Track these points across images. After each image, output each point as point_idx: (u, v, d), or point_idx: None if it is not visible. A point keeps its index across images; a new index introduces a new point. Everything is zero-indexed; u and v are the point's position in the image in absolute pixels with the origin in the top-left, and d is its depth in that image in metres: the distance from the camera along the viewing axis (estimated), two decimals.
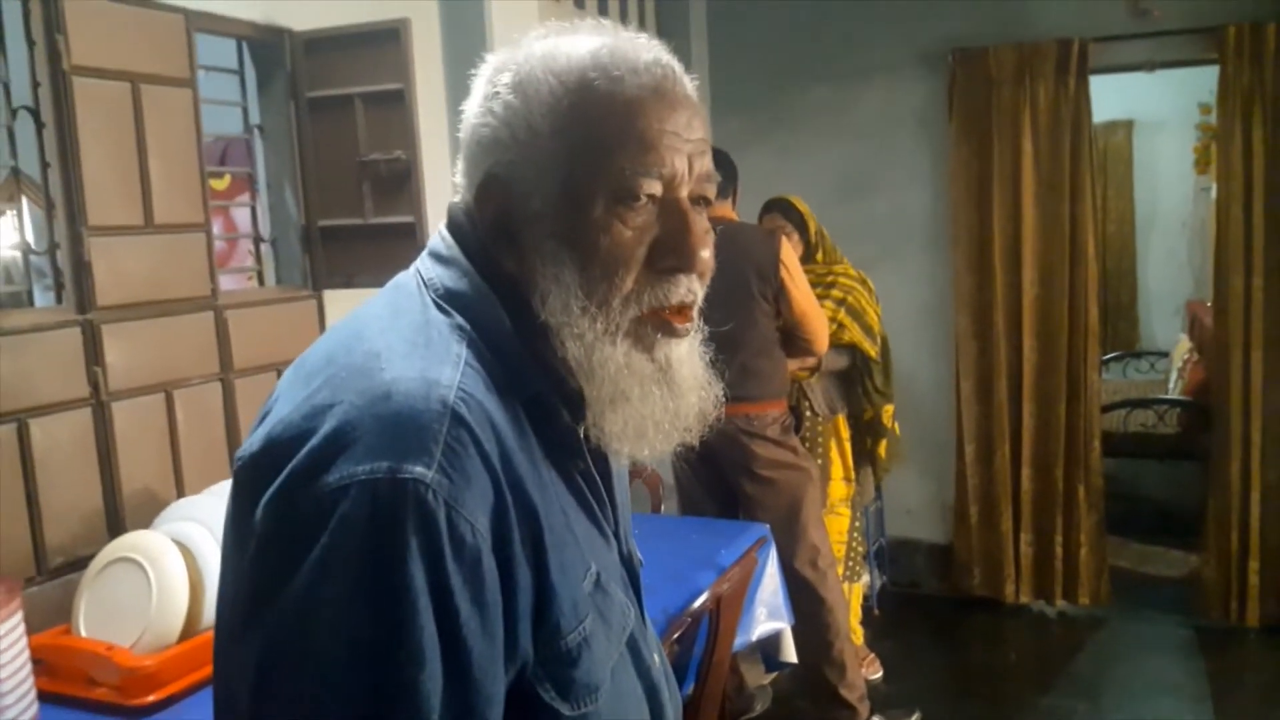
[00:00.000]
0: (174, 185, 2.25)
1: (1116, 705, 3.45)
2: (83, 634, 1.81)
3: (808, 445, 3.34)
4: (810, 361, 3.28)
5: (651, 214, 0.82)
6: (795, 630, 2.63)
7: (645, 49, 0.83)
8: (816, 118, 4.39)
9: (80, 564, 1.95)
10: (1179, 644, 3.84)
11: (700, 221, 0.84)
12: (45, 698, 1.65)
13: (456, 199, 0.89)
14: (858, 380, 3.55)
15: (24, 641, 1.50)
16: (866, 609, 3.91)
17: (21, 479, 1.95)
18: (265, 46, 2.58)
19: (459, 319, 0.81)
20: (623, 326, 0.82)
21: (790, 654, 2.62)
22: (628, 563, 0.95)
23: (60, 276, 2.08)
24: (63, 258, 2.08)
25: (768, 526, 2.62)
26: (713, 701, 2.06)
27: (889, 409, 3.62)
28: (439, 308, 0.82)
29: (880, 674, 3.64)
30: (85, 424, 2.07)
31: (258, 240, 2.72)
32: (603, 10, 3.82)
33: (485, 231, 0.85)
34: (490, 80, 0.85)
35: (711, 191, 0.86)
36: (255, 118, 2.66)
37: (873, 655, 3.68)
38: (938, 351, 4.28)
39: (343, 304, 2.67)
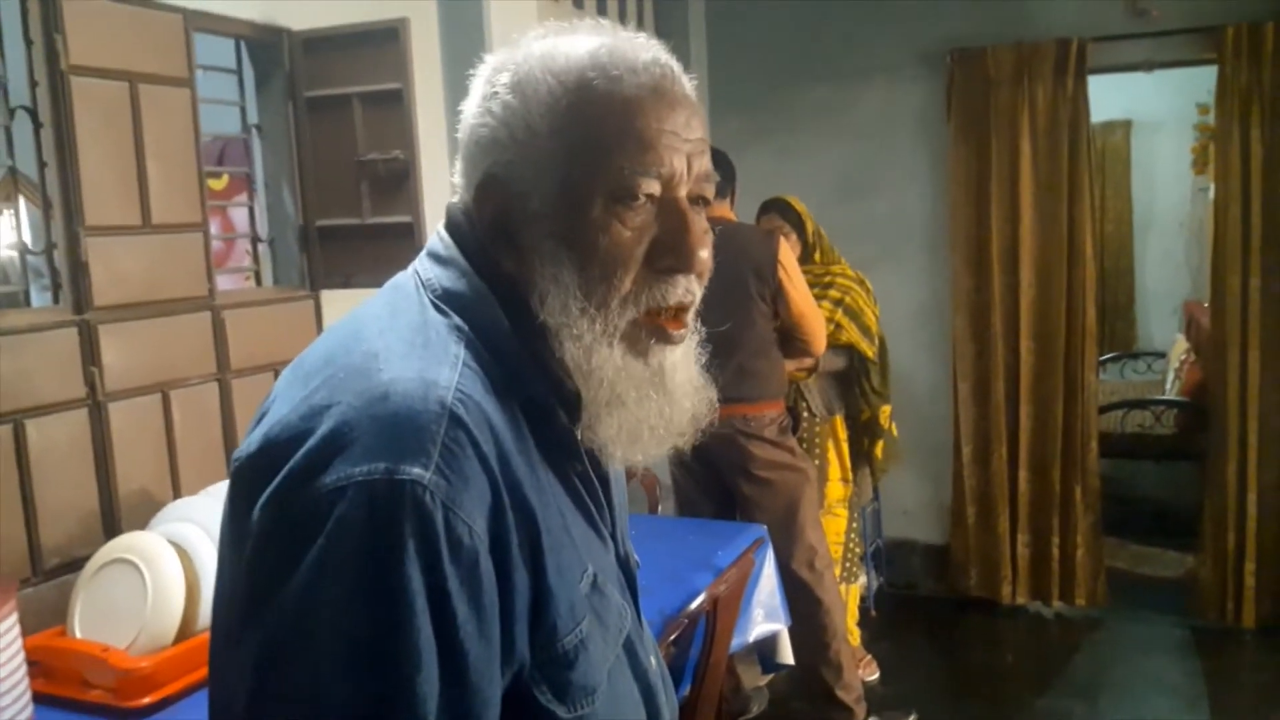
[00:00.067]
0: (172, 185, 2.25)
1: (1113, 706, 3.45)
2: (78, 635, 1.81)
3: (805, 446, 3.34)
4: (808, 362, 3.28)
5: (650, 214, 0.82)
6: (792, 631, 2.63)
7: (644, 49, 0.83)
8: (815, 118, 4.39)
9: (76, 565, 1.95)
10: (1175, 645, 3.85)
11: (699, 221, 0.84)
12: (40, 699, 1.64)
13: (455, 199, 0.89)
14: (855, 381, 3.55)
15: (19, 643, 1.50)
16: (863, 610, 3.91)
17: (17, 479, 1.94)
18: (263, 46, 2.58)
19: (457, 319, 0.81)
20: (620, 329, 0.82)
21: (787, 655, 2.62)
22: (624, 564, 0.95)
23: (57, 276, 2.08)
24: (60, 257, 2.07)
25: (765, 527, 2.61)
26: (709, 703, 2.06)
27: (886, 410, 3.62)
28: (437, 308, 0.82)
29: (877, 675, 3.64)
30: (82, 424, 2.06)
31: (255, 240, 2.71)
32: (601, 10, 3.82)
33: (484, 232, 0.85)
34: (489, 80, 0.85)
35: (710, 191, 0.86)
36: (253, 117, 2.66)
37: (870, 656, 3.68)
38: (935, 352, 4.28)
39: (341, 304, 2.66)
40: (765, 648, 2.59)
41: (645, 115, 0.80)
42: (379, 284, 0.89)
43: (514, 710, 0.76)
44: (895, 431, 3.74)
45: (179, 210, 2.27)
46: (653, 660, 0.96)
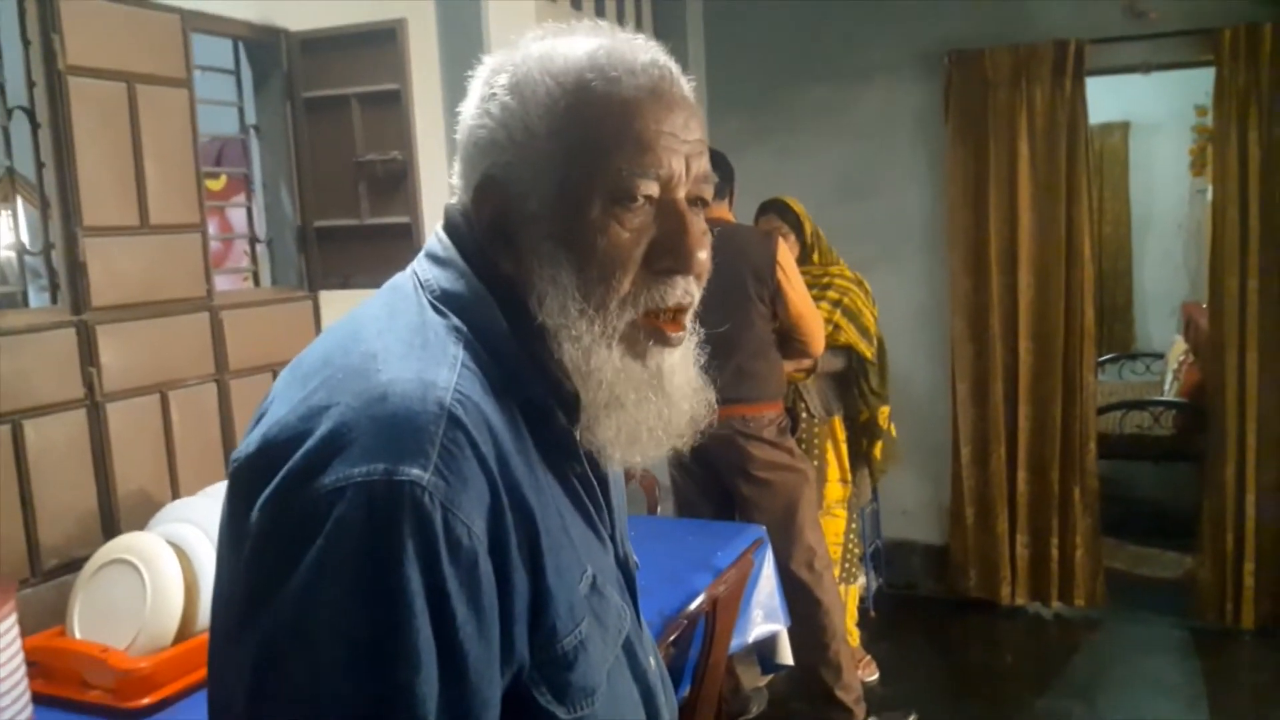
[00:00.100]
0: (169, 185, 2.25)
1: (1112, 706, 3.45)
2: (77, 636, 1.81)
3: (804, 447, 3.34)
4: (806, 363, 3.28)
5: (649, 215, 0.82)
6: (791, 632, 2.63)
7: (642, 50, 0.83)
8: (813, 119, 4.39)
9: (75, 566, 1.95)
10: (1175, 645, 3.85)
11: (697, 223, 0.84)
12: (40, 700, 1.64)
13: (453, 200, 0.89)
14: (854, 382, 3.55)
15: (18, 644, 1.50)
16: (863, 610, 3.91)
17: (16, 480, 1.94)
18: (261, 46, 2.58)
19: (455, 320, 0.81)
20: (619, 330, 0.82)
21: (786, 656, 2.62)
22: (624, 566, 0.95)
23: (55, 277, 2.08)
24: (58, 258, 2.07)
25: (764, 528, 2.61)
26: (709, 703, 2.06)
27: (885, 410, 3.62)
28: (435, 309, 0.82)
29: (876, 675, 3.64)
30: (80, 425, 2.06)
31: (253, 241, 2.71)
32: (599, 10, 3.82)
33: (482, 233, 0.85)
34: (487, 82, 0.84)
35: (709, 193, 0.86)
36: (251, 118, 2.66)
37: (869, 657, 3.68)
38: (934, 353, 4.28)
39: (339, 305, 2.66)
40: (765, 648, 2.59)
41: (644, 117, 0.80)
42: (377, 285, 0.89)
43: (513, 711, 0.76)
44: (894, 432, 3.74)
45: (177, 211, 2.27)
46: (652, 661, 0.96)
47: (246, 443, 0.77)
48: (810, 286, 3.20)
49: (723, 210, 3.12)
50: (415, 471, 0.69)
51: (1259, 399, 3.75)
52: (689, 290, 0.84)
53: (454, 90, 2.92)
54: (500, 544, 0.73)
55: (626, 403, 0.83)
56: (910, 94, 4.22)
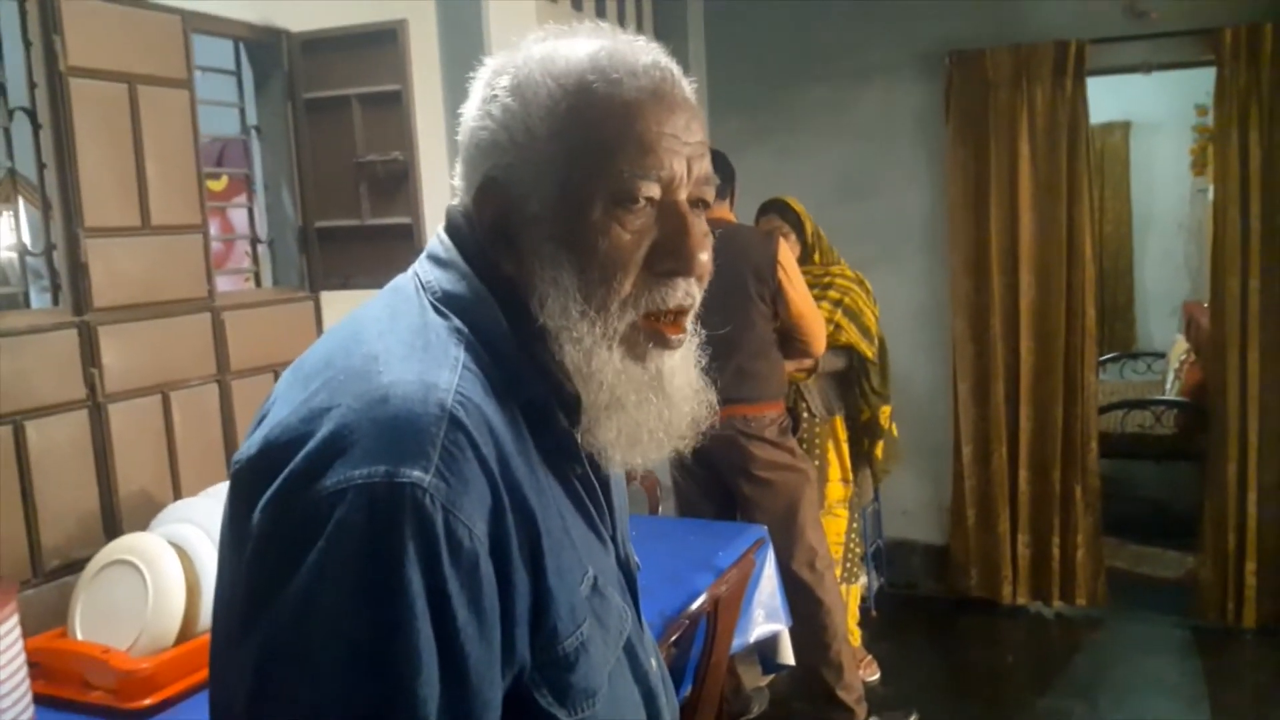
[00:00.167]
0: (171, 186, 2.25)
1: (1114, 706, 3.45)
2: (79, 637, 1.81)
3: (805, 447, 3.34)
4: (807, 363, 3.28)
5: (650, 217, 0.82)
6: (793, 632, 2.63)
7: (644, 51, 0.83)
8: (814, 119, 4.39)
9: (76, 566, 1.95)
10: (1176, 645, 3.85)
11: (699, 224, 0.84)
12: (41, 701, 1.64)
13: (455, 202, 0.89)
14: (855, 381, 3.55)
15: (20, 644, 1.50)
16: (864, 610, 3.91)
17: (18, 481, 1.94)
18: (262, 47, 2.58)
19: (457, 322, 0.81)
20: (619, 332, 0.82)
21: (788, 656, 2.62)
22: (625, 567, 0.95)
23: (57, 278, 2.08)
24: (59, 259, 2.07)
25: (765, 528, 2.61)
26: (710, 703, 2.06)
27: (886, 410, 3.62)
28: (437, 310, 0.82)
29: (878, 675, 3.64)
30: (82, 426, 2.06)
31: (255, 241, 2.71)
32: (600, 11, 3.82)
33: (484, 234, 0.85)
34: (488, 83, 0.84)
35: (710, 194, 0.86)
36: (252, 119, 2.66)
37: (870, 657, 3.68)
38: (935, 353, 4.28)
39: (340, 305, 2.66)
40: (766, 648, 2.59)
41: (645, 118, 0.80)
42: (378, 285, 0.89)
43: (515, 713, 0.76)
44: (896, 432, 3.74)
45: (178, 211, 2.27)
46: (653, 662, 0.96)
47: (248, 444, 0.77)
48: (811, 286, 3.20)
49: (724, 210, 3.12)
50: (416, 473, 0.69)
51: (1260, 398, 3.75)
52: (690, 292, 0.84)
53: (455, 91, 2.92)
54: (501, 545, 0.73)
55: (627, 404, 0.83)
56: (911, 94, 4.22)
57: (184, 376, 2.28)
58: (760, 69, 4.44)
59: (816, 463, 3.37)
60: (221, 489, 1.85)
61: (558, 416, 0.83)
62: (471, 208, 0.86)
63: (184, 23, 2.29)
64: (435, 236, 0.89)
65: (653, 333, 0.83)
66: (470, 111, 0.86)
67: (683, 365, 0.87)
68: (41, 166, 2.04)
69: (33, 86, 2.02)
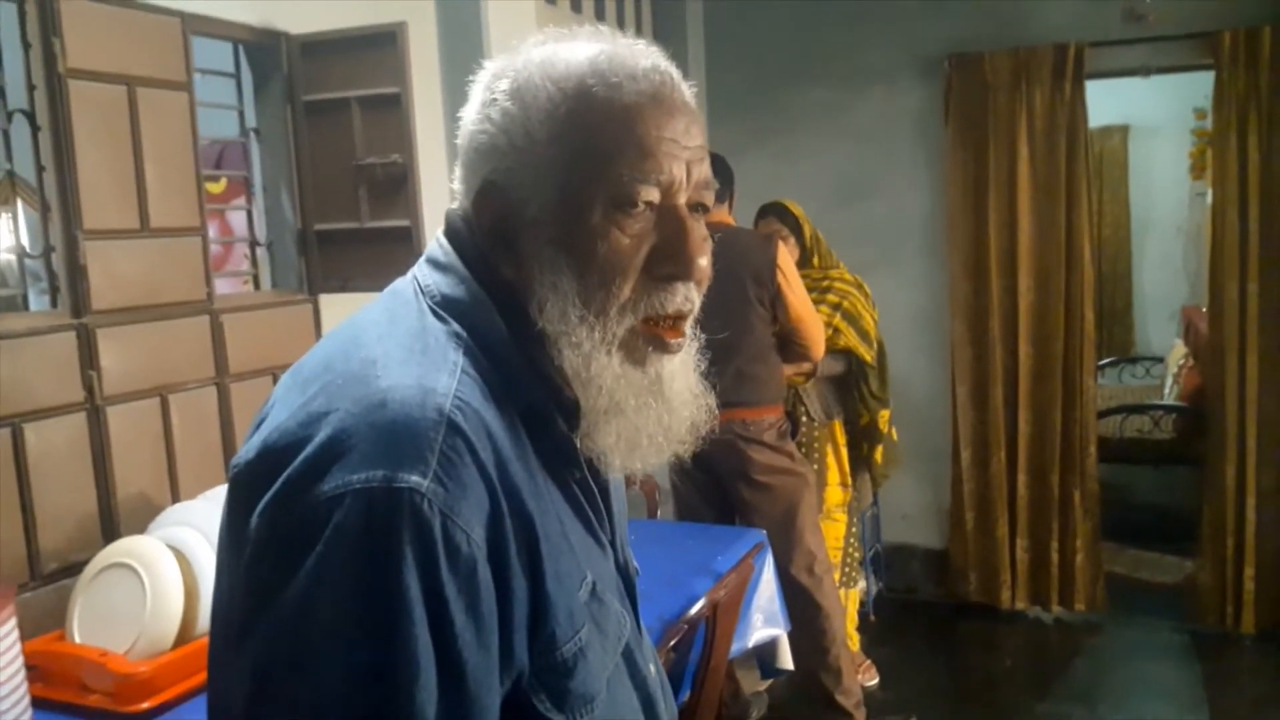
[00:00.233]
0: (170, 189, 2.25)
1: (1112, 711, 3.45)
2: (77, 640, 1.81)
3: (804, 451, 3.34)
4: (806, 367, 3.28)
5: (649, 221, 0.81)
6: (791, 637, 2.63)
7: (643, 55, 0.83)
8: (813, 122, 4.40)
9: (74, 569, 1.95)
10: (1175, 650, 3.85)
11: (698, 229, 0.84)
12: (39, 704, 1.64)
13: (454, 205, 0.89)
14: (854, 385, 3.55)
15: (17, 647, 1.50)
16: (863, 615, 3.91)
17: (16, 484, 1.94)
18: (262, 50, 2.58)
19: (456, 326, 0.81)
20: (619, 336, 0.81)
21: (786, 660, 2.62)
22: (624, 572, 0.95)
23: (55, 280, 2.08)
24: (58, 261, 2.07)
25: (764, 532, 2.61)
26: (709, 708, 2.05)
27: (885, 414, 3.62)
28: (436, 315, 0.82)
29: (876, 680, 3.64)
30: (80, 428, 2.06)
31: (254, 244, 2.71)
32: (599, 13, 3.83)
33: (483, 238, 0.85)
34: (488, 87, 0.84)
35: (710, 199, 0.86)
36: (251, 121, 2.66)
37: (869, 661, 3.68)
38: (934, 357, 4.28)
39: (339, 308, 2.66)
40: (765, 653, 2.59)
41: (645, 122, 0.80)
42: (377, 288, 0.89)
43: (513, 719, 0.76)
44: (895, 436, 3.73)
45: (177, 214, 2.27)
46: (652, 668, 0.95)
47: (246, 448, 0.77)
48: (810, 290, 3.20)
49: (722, 214, 3.12)
50: (414, 478, 0.69)
51: (1259, 403, 3.75)
52: (689, 297, 0.84)
53: (454, 94, 2.92)
54: (499, 551, 0.73)
55: (626, 409, 0.83)
56: (910, 97, 4.23)
57: (182, 379, 2.28)
58: (759, 72, 4.44)
59: (815, 467, 3.37)
60: (220, 492, 1.85)
61: (557, 421, 0.83)
62: (471, 211, 0.86)
63: (183, 25, 2.29)
64: (434, 240, 0.89)
65: (652, 337, 0.83)
66: (469, 115, 0.85)
67: (682, 370, 0.87)
68: (40, 169, 2.04)
69: (32, 89, 2.02)
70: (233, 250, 4.16)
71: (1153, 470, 5.20)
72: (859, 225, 4.21)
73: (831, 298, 3.43)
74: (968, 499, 4.17)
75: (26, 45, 2.02)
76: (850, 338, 3.44)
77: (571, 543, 0.82)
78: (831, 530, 3.41)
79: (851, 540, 3.58)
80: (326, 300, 2.68)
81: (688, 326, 0.86)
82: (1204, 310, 4.52)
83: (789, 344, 3.10)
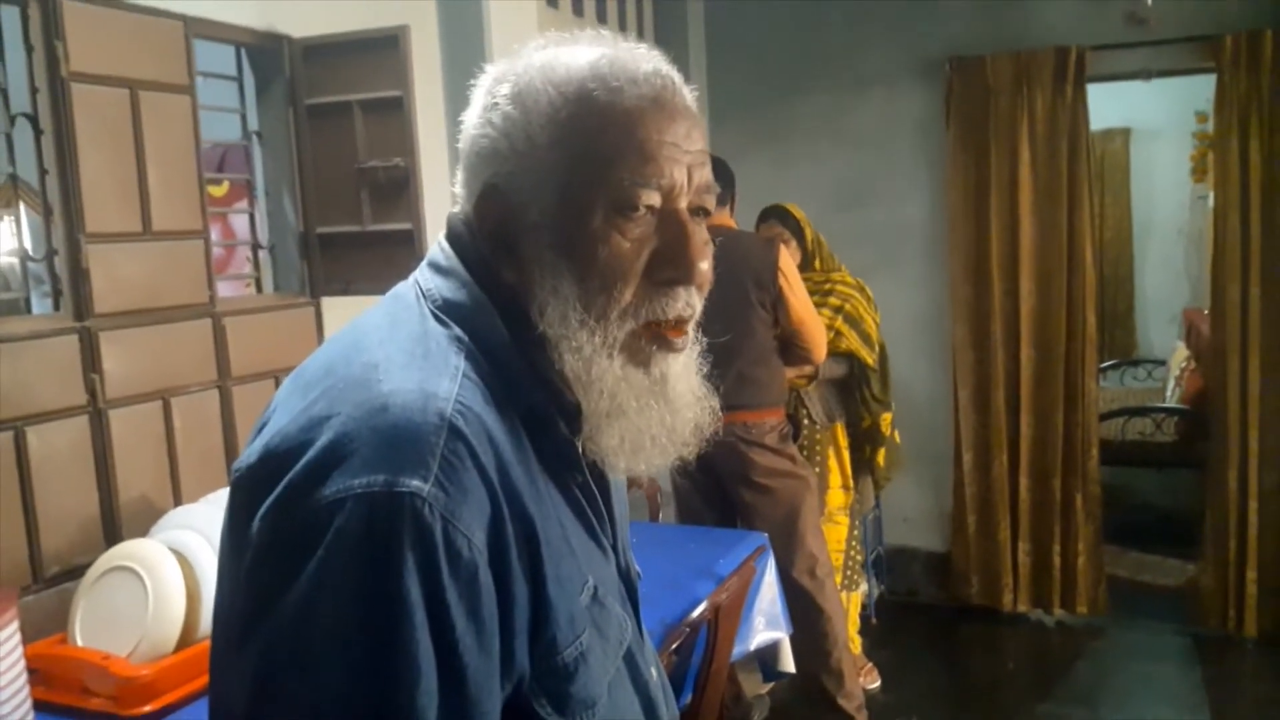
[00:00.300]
0: (172, 192, 2.25)
1: (1114, 713, 3.44)
2: (79, 643, 1.81)
3: (806, 453, 3.34)
4: (808, 369, 3.28)
5: (650, 225, 0.82)
6: (793, 639, 2.63)
7: (645, 59, 0.83)
8: (814, 126, 4.40)
9: (76, 572, 1.95)
10: (1177, 653, 3.84)
11: (699, 233, 0.84)
12: (41, 707, 1.64)
13: (456, 209, 0.89)
14: (855, 388, 3.55)
15: (19, 650, 1.50)
16: (864, 618, 3.91)
17: (18, 487, 1.94)
18: (264, 53, 2.58)
19: (457, 330, 0.81)
20: (620, 340, 0.81)
21: (788, 663, 2.62)
22: (625, 576, 0.95)
23: (58, 283, 2.08)
24: (60, 264, 2.07)
25: (766, 535, 2.61)
26: (710, 711, 2.05)
27: (887, 417, 3.62)
28: (437, 319, 0.82)
29: (878, 683, 3.63)
30: (82, 431, 2.06)
31: (256, 247, 2.72)
32: (600, 17, 3.83)
33: (484, 242, 0.85)
34: (489, 91, 0.85)
35: (711, 203, 0.86)
36: (254, 124, 2.66)
37: (871, 664, 3.68)
38: (935, 360, 4.28)
39: (341, 311, 2.67)
40: (766, 656, 2.59)
41: (646, 126, 0.80)
42: (379, 291, 0.89)
43: None
44: (898, 439, 3.73)
45: (179, 217, 2.27)
46: (653, 672, 0.95)
47: (248, 453, 0.77)
48: (812, 293, 3.20)
49: (724, 217, 3.12)
50: (415, 483, 0.69)
51: (1261, 405, 3.75)
52: (690, 302, 0.84)
53: (456, 97, 2.93)
54: (501, 555, 0.73)
55: (629, 410, 0.82)
56: (911, 100, 4.23)
57: (185, 382, 2.28)
58: (761, 75, 4.44)
59: (817, 469, 3.37)
60: (222, 495, 1.85)
61: (558, 425, 0.83)
62: (472, 215, 0.86)
63: (186, 28, 2.29)
64: (436, 244, 0.89)
65: (655, 336, 0.83)
66: (471, 119, 0.86)
67: (685, 371, 0.87)
68: (43, 172, 2.04)
69: (34, 92, 2.03)
70: (235, 253, 4.16)
71: (1155, 473, 5.20)
72: (860, 228, 4.21)
73: (833, 300, 3.43)
74: (969, 502, 4.17)
75: (29, 48, 2.02)
76: (852, 340, 3.44)
77: (573, 546, 0.82)
78: (833, 533, 3.41)
79: (853, 543, 3.57)
80: (328, 303, 2.68)
81: (690, 329, 0.86)
82: (1206, 313, 4.52)
83: (791, 347, 3.10)
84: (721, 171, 3.05)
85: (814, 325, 3.10)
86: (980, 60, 3.96)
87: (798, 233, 3.44)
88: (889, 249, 4.28)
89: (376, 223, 2.53)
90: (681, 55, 4.23)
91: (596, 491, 0.89)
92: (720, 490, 3.10)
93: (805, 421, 3.40)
